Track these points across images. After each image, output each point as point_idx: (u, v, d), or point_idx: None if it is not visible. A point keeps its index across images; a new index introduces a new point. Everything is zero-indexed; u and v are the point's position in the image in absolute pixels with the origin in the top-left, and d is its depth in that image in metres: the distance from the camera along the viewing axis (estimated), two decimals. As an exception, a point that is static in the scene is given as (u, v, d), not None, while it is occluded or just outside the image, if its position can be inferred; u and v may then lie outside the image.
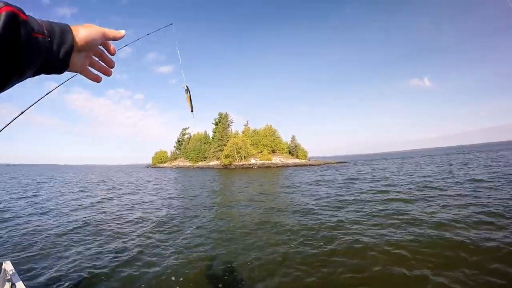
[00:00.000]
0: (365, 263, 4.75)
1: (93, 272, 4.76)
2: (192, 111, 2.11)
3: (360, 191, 13.31)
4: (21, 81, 0.46)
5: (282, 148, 67.47)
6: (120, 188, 20.63)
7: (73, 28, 0.51)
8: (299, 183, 19.51)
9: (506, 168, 18.91)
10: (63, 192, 17.79)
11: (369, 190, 13.34)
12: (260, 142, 66.57)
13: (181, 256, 5.42)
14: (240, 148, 62.21)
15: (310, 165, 57.60)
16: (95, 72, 0.62)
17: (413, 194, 11.21)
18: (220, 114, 77.24)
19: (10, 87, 0.44)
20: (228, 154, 63.00)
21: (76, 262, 5.18)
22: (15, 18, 0.40)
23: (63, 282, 4.37)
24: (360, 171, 29.35)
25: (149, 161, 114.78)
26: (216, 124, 77.71)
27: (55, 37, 0.47)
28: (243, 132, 72.70)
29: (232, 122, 77.21)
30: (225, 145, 67.07)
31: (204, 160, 77.66)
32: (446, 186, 12.98)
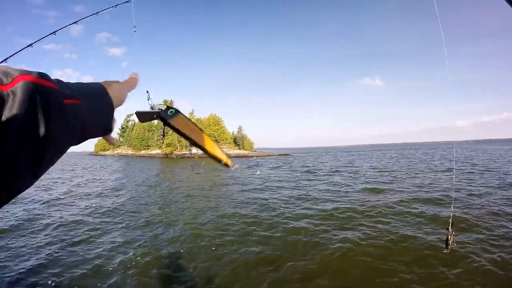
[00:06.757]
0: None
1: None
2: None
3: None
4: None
5: (225, 138, 68.04)
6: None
7: (106, 85, 0.48)
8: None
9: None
10: None
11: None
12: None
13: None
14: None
15: (251, 156, 58.59)
16: None
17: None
18: (165, 101, 71.24)
19: (54, 157, 0.36)
20: (169, 143, 61.66)
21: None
22: (37, 88, 0.31)
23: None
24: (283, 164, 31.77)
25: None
26: (161, 111, 74.86)
27: (92, 101, 0.42)
28: (187, 121, 71.25)
29: (177, 110, 75.16)
30: (167, 133, 65.13)
31: (148, 149, 74.86)
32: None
